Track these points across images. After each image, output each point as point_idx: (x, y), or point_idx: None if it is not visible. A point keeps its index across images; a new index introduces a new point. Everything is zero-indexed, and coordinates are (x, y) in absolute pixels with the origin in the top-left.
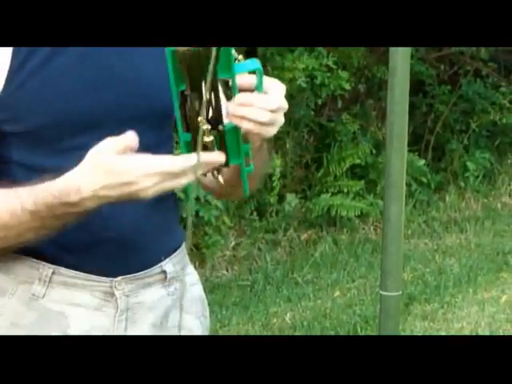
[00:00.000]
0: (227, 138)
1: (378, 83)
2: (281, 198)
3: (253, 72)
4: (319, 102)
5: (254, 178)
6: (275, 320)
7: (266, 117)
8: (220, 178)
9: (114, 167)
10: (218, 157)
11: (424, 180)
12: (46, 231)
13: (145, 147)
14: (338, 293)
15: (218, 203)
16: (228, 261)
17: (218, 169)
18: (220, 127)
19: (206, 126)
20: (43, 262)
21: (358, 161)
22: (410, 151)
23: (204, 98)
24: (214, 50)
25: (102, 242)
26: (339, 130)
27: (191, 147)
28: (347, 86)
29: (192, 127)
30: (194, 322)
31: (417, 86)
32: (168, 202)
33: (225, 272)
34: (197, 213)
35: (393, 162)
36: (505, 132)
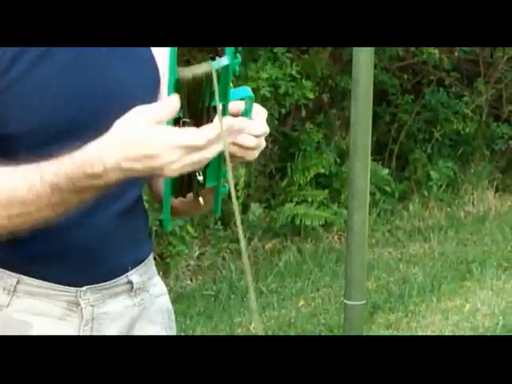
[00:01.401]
0: (210, 161)
1: (341, 93)
2: (245, 208)
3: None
4: (283, 111)
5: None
6: (240, 330)
7: (252, 142)
8: (201, 200)
9: (138, 139)
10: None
11: (388, 189)
12: (63, 208)
13: None
14: (302, 302)
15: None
16: (192, 270)
17: (198, 191)
18: None
19: None
20: (8, 271)
21: (321, 170)
22: (373, 160)
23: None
24: (214, 74)
25: (67, 251)
26: (303, 140)
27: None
28: (311, 96)
29: None
30: (160, 333)
31: (380, 96)
32: (136, 212)
33: (189, 282)
34: (161, 222)
35: (356, 172)
36: (468, 141)
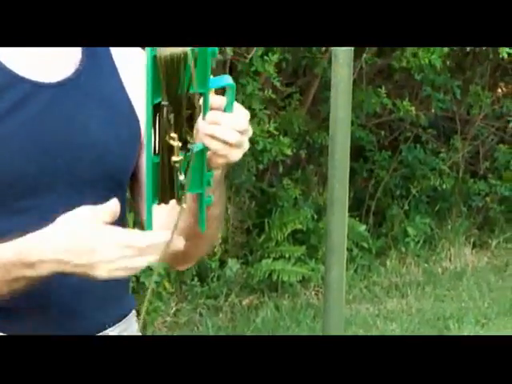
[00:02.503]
0: (193, 161)
1: (318, 149)
2: (222, 263)
3: (220, 89)
4: (260, 167)
5: (214, 219)
6: None
7: (235, 137)
8: (184, 205)
9: (80, 234)
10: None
11: (365, 245)
12: None
13: None
14: None
15: (159, 269)
16: (169, 327)
17: (181, 195)
18: (189, 146)
19: (177, 143)
20: None
21: (299, 226)
22: (350, 216)
23: (184, 109)
24: (190, 54)
25: (42, 307)
26: (280, 196)
27: (159, 169)
28: (288, 152)
29: (162, 147)
30: None
31: (357, 152)
32: None
33: None
34: (137, 278)
35: (334, 227)
36: (445, 197)
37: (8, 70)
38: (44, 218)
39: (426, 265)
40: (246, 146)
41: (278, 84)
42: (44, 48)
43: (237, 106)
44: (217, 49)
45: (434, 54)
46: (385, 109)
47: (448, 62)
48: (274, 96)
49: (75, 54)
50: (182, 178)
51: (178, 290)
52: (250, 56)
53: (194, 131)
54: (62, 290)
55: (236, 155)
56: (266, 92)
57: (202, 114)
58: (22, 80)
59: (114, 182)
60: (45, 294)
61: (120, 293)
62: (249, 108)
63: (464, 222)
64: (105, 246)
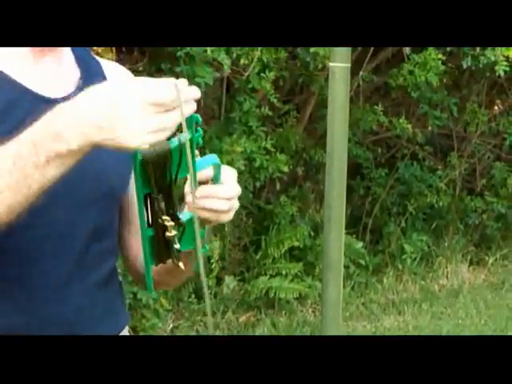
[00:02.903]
0: (186, 228)
1: (315, 166)
2: (219, 281)
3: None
4: (257, 184)
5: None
6: None
7: (224, 206)
8: (181, 265)
9: (111, 96)
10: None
11: (362, 262)
12: (26, 190)
13: (97, 227)
14: None
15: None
16: None
17: (177, 257)
18: (180, 221)
19: (171, 223)
20: None
21: (296, 243)
22: (347, 234)
23: (173, 200)
24: (172, 150)
25: (42, 325)
26: (277, 213)
27: (154, 240)
28: (285, 169)
29: (155, 223)
30: None
31: (354, 169)
32: (112, 283)
33: None
34: (134, 295)
35: (331, 245)
36: (441, 215)
37: (19, 84)
38: (49, 233)
39: (422, 282)
40: (237, 206)
41: (275, 101)
42: (46, 64)
43: (226, 171)
44: (201, 137)
45: (431, 71)
46: (381, 126)
47: (444, 80)
48: (270, 113)
49: (75, 72)
50: (177, 246)
51: (175, 307)
52: (247, 73)
53: (185, 205)
54: (63, 308)
55: (227, 218)
56: (262, 109)
57: (189, 185)
58: (32, 94)
59: (110, 200)
60: (46, 312)
61: (117, 307)
62: (246, 125)
63: (461, 239)
64: (126, 100)
